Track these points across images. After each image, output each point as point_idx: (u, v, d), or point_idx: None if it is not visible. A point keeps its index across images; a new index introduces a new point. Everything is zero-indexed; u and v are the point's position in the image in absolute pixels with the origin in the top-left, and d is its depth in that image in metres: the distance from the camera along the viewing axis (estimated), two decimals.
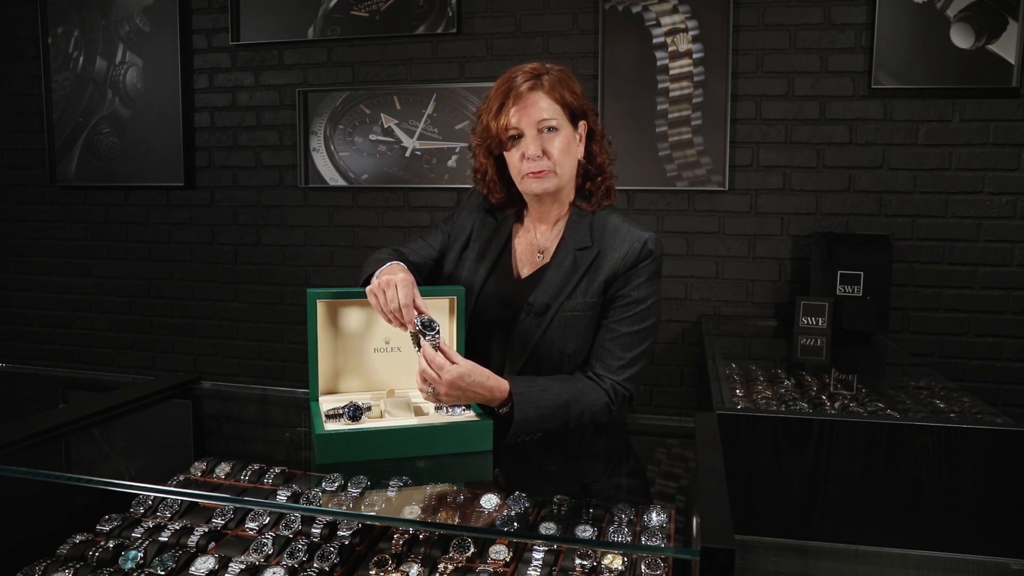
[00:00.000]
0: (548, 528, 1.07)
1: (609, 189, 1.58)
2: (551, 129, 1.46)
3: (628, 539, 1.07)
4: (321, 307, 1.39)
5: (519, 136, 1.47)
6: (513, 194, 1.59)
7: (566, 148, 1.48)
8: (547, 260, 1.56)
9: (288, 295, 3.45)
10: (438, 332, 1.31)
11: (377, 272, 1.38)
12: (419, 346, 1.31)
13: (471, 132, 1.60)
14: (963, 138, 2.77)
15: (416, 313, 1.33)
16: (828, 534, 1.61)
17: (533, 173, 1.47)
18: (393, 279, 1.33)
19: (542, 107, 1.45)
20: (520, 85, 1.46)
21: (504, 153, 1.51)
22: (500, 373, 1.48)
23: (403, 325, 1.32)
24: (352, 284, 1.37)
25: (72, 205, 3.70)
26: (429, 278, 1.62)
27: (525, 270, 1.57)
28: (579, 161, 1.54)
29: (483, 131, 1.51)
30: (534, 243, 1.59)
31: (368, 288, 1.35)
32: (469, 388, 1.31)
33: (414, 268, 1.51)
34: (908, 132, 2.81)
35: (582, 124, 1.52)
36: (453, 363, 1.30)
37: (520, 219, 1.63)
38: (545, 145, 1.46)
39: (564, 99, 1.47)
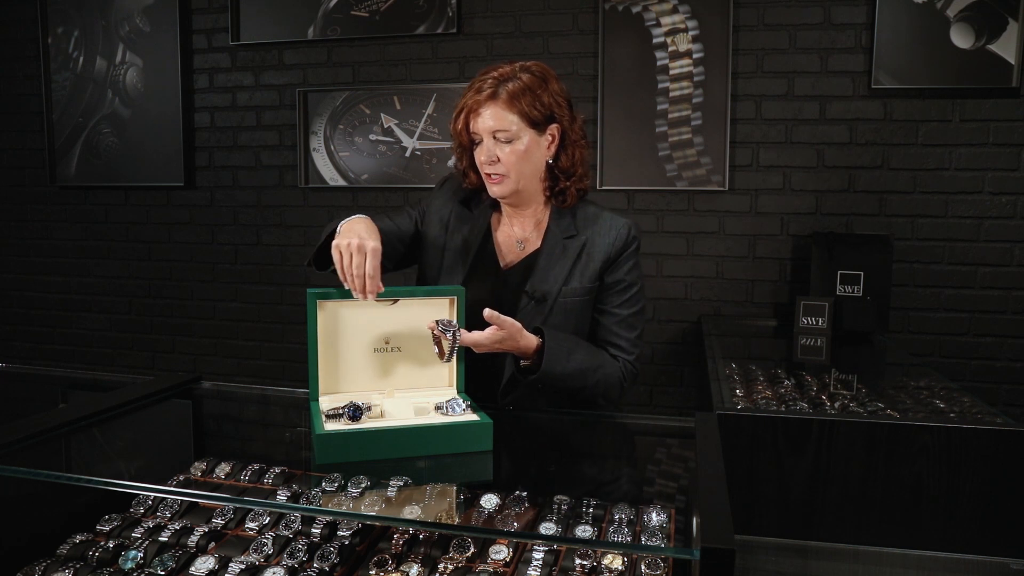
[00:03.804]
0: (548, 528, 1.07)
1: (580, 191, 1.63)
2: (506, 140, 1.51)
3: (628, 539, 1.07)
4: (321, 307, 1.39)
5: (480, 140, 1.54)
6: None
7: (523, 155, 1.53)
8: (530, 250, 1.62)
9: (288, 295, 3.45)
10: (457, 329, 1.39)
11: (344, 221, 1.41)
12: (440, 349, 1.40)
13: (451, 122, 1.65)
14: (963, 138, 2.77)
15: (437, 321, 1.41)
16: (828, 534, 1.61)
17: (489, 176, 1.55)
18: (364, 244, 1.34)
19: (495, 119, 1.50)
20: (480, 93, 1.51)
21: (473, 151, 1.58)
22: (501, 362, 1.55)
23: (363, 293, 1.34)
24: None
25: (72, 205, 3.70)
26: (392, 257, 1.64)
27: (511, 259, 1.63)
28: (548, 163, 1.58)
29: (454, 132, 1.59)
30: (512, 235, 1.65)
31: (335, 243, 1.35)
32: (504, 346, 1.45)
33: (394, 244, 1.60)
34: (908, 132, 2.81)
35: (553, 127, 1.55)
36: (501, 329, 1.42)
37: (498, 208, 1.67)
38: (498, 152, 1.52)
39: (522, 110, 1.50)
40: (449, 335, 1.37)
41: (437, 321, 1.39)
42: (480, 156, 1.54)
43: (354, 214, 1.48)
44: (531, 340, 1.48)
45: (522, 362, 1.51)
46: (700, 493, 0.98)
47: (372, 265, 1.34)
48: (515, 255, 1.63)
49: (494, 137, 1.51)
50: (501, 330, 1.42)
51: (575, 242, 1.59)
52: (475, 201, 1.67)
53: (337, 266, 1.35)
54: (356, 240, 1.34)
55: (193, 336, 3.61)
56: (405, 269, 1.74)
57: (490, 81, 1.51)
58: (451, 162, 3.21)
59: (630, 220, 1.62)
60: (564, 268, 1.57)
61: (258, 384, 1.74)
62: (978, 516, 1.56)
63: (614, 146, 3.02)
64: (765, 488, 1.64)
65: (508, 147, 1.51)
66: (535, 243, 1.62)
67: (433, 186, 3.20)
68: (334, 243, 1.36)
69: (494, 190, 1.56)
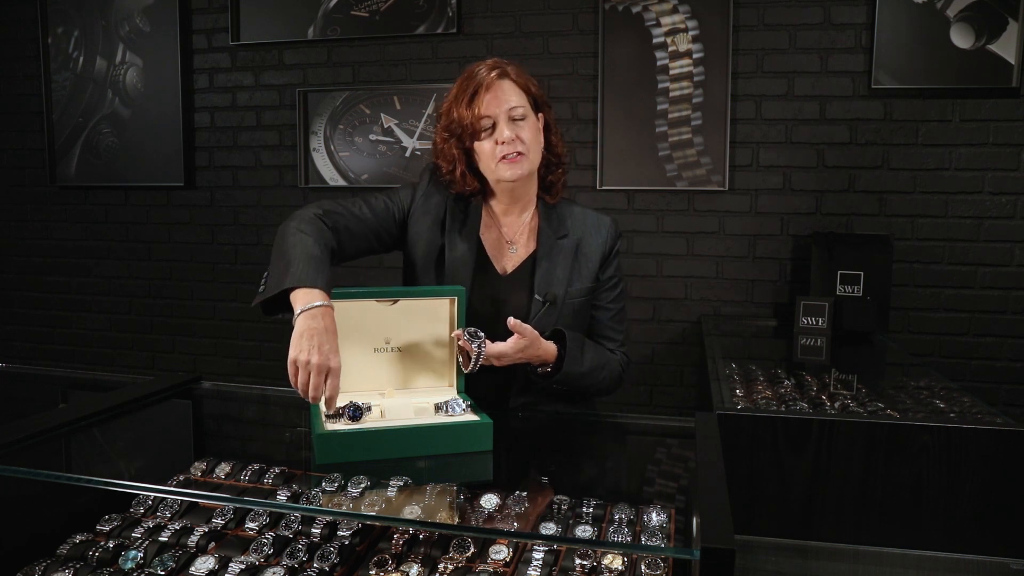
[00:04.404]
0: (548, 528, 1.06)
1: (565, 182, 1.66)
2: (521, 116, 1.52)
3: (628, 539, 1.07)
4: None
5: (492, 125, 1.51)
6: (483, 184, 1.61)
7: (534, 134, 1.54)
8: (524, 253, 1.61)
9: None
10: (483, 340, 1.40)
11: (301, 311, 1.26)
12: (464, 360, 1.41)
13: (434, 130, 1.62)
14: (963, 138, 2.77)
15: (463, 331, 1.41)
16: (828, 534, 1.61)
17: (507, 159, 1.51)
18: (326, 365, 1.21)
19: (511, 95, 1.52)
20: (488, 75, 1.52)
21: (475, 144, 1.54)
22: (514, 369, 1.56)
23: (315, 401, 1.24)
24: (352, 284, 1.37)
25: (72, 205, 3.70)
26: (363, 251, 1.58)
27: (507, 264, 1.61)
28: (542, 151, 1.59)
29: (453, 124, 1.54)
30: (502, 236, 1.63)
31: (292, 358, 1.22)
32: (525, 355, 1.47)
33: (349, 237, 1.51)
34: (908, 132, 2.81)
35: (541, 115, 1.58)
36: (523, 338, 1.44)
37: (486, 204, 1.64)
38: (517, 130, 1.51)
39: (528, 88, 1.55)
40: (475, 345, 1.38)
41: (464, 330, 1.40)
42: (499, 136, 1.50)
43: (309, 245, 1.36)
44: (550, 346, 1.50)
45: (539, 369, 1.53)
46: (700, 493, 0.99)
47: (332, 387, 1.22)
48: (510, 260, 1.61)
49: (510, 116, 1.50)
50: (523, 338, 1.43)
51: (568, 242, 1.60)
52: (464, 202, 1.63)
53: (291, 379, 1.23)
54: (317, 359, 1.20)
55: (193, 336, 3.61)
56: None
57: (488, 68, 1.53)
58: None
59: (612, 217, 1.68)
60: (566, 269, 1.58)
61: (258, 384, 1.74)
62: (978, 516, 1.56)
63: (614, 146, 3.02)
64: (765, 488, 1.64)
65: (523, 124, 1.52)
66: (528, 245, 1.62)
67: None
68: (292, 357, 1.21)
69: (510, 172, 1.51)
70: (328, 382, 1.22)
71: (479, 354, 1.39)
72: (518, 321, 1.42)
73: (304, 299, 1.27)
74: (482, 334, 1.40)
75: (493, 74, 1.51)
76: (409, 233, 1.60)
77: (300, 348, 1.21)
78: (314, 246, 1.37)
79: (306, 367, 1.21)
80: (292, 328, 1.25)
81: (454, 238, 1.58)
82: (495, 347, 1.43)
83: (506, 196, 1.60)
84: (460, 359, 1.44)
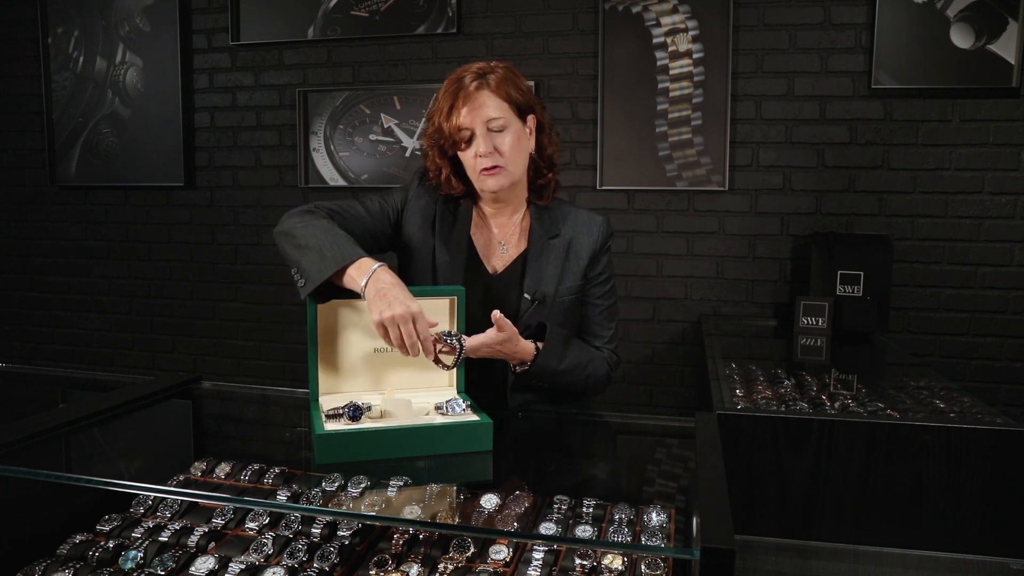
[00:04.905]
0: (548, 528, 1.07)
1: (557, 183, 1.66)
2: (499, 128, 1.50)
3: (628, 539, 1.07)
4: (321, 307, 1.39)
5: (472, 136, 1.50)
6: (470, 187, 1.61)
7: (516, 144, 1.52)
8: (515, 253, 1.61)
9: (288, 295, 3.45)
10: (460, 336, 1.38)
11: (367, 281, 1.31)
12: (443, 362, 1.37)
13: (423, 134, 1.62)
14: (963, 138, 2.77)
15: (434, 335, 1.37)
16: (828, 534, 1.61)
17: (486, 170, 1.51)
18: (409, 311, 1.27)
19: (490, 106, 1.49)
20: (468, 85, 1.50)
21: (459, 153, 1.54)
22: (505, 368, 1.56)
23: (416, 353, 1.28)
24: None
25: (72, 205, 3.70)
26: (365, 247, 1.57)
27: (498, 264, 1.61)
28: (531, 155, 1.58)
29: (436, 132, 1.54)
30: (493, 237, 1.63)
31: (376, 320, 1.27)
32: (504, 348, 1.46)
33: (364, 237, 1.53)
34: (908, 132, 2.81)
35: (531, 118, 1.56)
36: (502, 332, 1.43)
37: (476, 206, 1.65)
38: (495, 143, 1.50)
39: (510, 96, 1.52)
40: (454, 342, 1.37)
41: (438, 335, 1.36)
42: (477, 149, 1.50)
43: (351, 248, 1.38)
44: (527, 345, 1.50)
45: (518, 368, 1.53)
46: (700, 493, 0.98)
47: (422, 330, 1.28)
48: (501, 259, 1.62)
49: (488, 128, 1.49)
50: (502, 332, 1.43)
51: (559, 241, 1.60)
52: (454, 203, 1.63)
53: (385, 340, 1.29)
54: (400, 309, 1.26)
55: (193, 336, 3.61)
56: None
57: (471, 76, 1.51)
58: None
59: (603, 216, 1.67)
60: (556, 268, 1.59)
61: (258, 384, 1.74)
62: (978, 516, 1.56)
63: (614, 146, 3.02)
64: (765, 488, 1.64)
65: (502, 135, 1.50)
66: (519, 245, 1.62)
67: None
68: (376, 319, 1.27)
69: (490, 183, 1.52)
70: (417, 327, 1.27)
71: (461, 348, 1.37)
72: (501, 315, 1.42)
73: (360, 271, 1.32)
74: (456, 333, 1.39)
75: (472, 85, 1.49)
76: (402, 234, 1.62)
77: (379, 308, 1.27)
78: (332, 226, 1.43)
79: (392, 322, 1.26)
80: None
81: (444, 239, 1.59)
82: (473, 339, 1.43)
83: (492, 201, 1.61)
84: (441, 360, 1.40)
